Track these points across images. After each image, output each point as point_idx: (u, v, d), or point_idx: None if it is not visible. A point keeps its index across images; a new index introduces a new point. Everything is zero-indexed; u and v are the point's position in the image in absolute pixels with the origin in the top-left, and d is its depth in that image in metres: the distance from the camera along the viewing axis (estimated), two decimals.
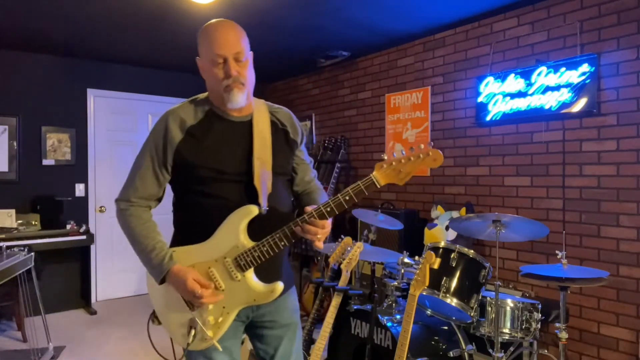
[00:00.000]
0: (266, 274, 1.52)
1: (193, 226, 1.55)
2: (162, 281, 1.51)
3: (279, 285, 1.50)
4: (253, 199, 1.51)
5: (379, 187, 1.43)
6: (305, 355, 2.64)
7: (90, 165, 5.09)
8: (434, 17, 3.67)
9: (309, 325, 2.83)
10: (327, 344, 2.91)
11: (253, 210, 1.48)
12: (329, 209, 1.43)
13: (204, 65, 1.52)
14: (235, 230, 1.48)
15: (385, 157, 1.43)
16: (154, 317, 1.61)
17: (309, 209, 1.46)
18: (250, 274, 1.50)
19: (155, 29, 3.94)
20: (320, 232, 1.45)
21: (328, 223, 1.47)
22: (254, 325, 1.65)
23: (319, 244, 1.48)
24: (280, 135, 1.64)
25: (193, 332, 1.50)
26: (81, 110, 5.04)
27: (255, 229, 1.49)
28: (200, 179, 1.51)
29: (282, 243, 1.46)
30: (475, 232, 2.73)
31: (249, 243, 1.48)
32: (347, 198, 1.42)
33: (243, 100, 1.51)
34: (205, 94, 1.61)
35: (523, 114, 3.35)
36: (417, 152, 1.41)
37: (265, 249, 1.46)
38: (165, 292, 1.55)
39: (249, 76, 1.52)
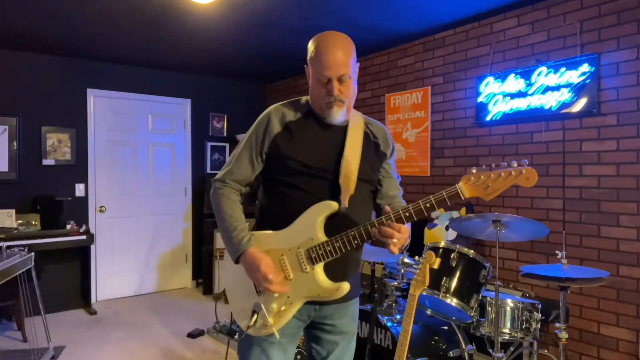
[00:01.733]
0: (334, 274, 1.54)
1: (274, 214, 1.62)
2: (237, 261, 1.57)
3: (346, 285, 1.52)
4: (335, 196, 1.55)
5: (463, 198, 1.42)
6: (304, 354, 2.64)
7: (90, 165, 5.09)
8: (434, 17, 3.67)
9: None
10: None
11: (333, 206, 1.52)
12: (407, 214, 1.44)
13: (310, 74, 1.59)
14: (312, 223, 1.52)
15: (474, 170, 1.41)
16: (222, 295, 1.69)
17: (388, 208, 1.48)
18: (320, 268, 1.53)
19: (155, 29, 3.94)
20: (396, 235, 1.43)
21: (405, 228, 1.46)
22: (313, 326, 1.68)
23: (394, 249, 1.46)
24: (371, 146, 1.69)
25: (255, 316, 1.54)
26: (81, 110, 5.04)
27: (332, 226, 1.52)
28: (288, 170, 1.57)
29: (356, 242, 1.48)
30: (475, 232, 2.73)
31: (323, 237, 1.51)
32: (428, 205, 1.43)
33: (342, 117, 1.59)
34: (306, 97, 1.67)
35: (523, 114, 3.35)
36: (510, 168, 1.37)
37: (338, 244, 1.49)
38: (237, 274, 1.61)
39: (351, 93, 1.58)
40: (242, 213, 1.63)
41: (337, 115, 1.57)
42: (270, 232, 1.58)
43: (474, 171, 1.40)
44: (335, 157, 1.58)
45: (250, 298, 1.59)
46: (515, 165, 1.36)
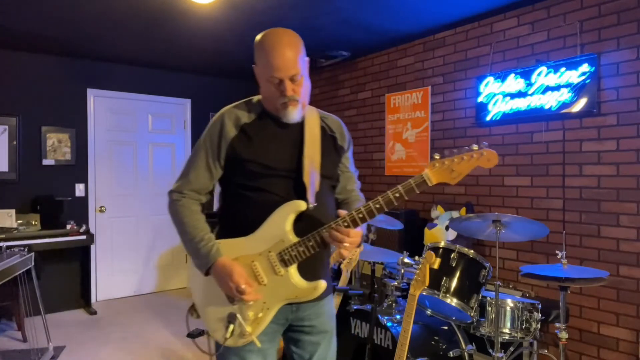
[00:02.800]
0: (308, 273, 1.52)
1: (239, 219, 1.57)
2: (207, 273, 1.51)
3: (322, 283, 1.50)
4: (301, 195, 1.52)
5: (430, 185, 1.43)
6: None
7: (90, 165, 5.09)
8: (434, 17, 3.67)
9: None
10: None
11: (301, 205, 1.49)
12: (377, 205, 1.43)
13: (259, 75, 1.54)
14: (282, 224, 1.49)
15: (437, 157, 1.43)
16: (192, 310, 1.62)
17: (342, 212, 1.46)
18: (294, 270, 1.50)
19: (155, 29, 3.94)
20: (347, 240, 1.44)
21: (356, 232, 1.46)
22: (292, 329, 1.65)
23: (346, 252, 1.48)
24: (329, 140, 1.66)
25: (232, 327, 1.49)
26: (81, 110, 5.03)
27: (301, 225, 1.50)
28: (249, 173, 1.53)
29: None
30: (475, 232, 2.73)
31: (294, 238, 1.48)
32: (397, 195, 1.42)
33: (298, 115, 1.55)
34: (259, 97, 1.64)
35: (523, 114, 3.35)
36: (471, 151, 1.42)
37: (311, 244, 1.47)
38: (206, 285, 1.56)
39: (304, 91, 1.55)
40: (206, 223, 1.57)
41: (293, 115, 1.52)
42: (237, 238, 1.53)
43: (437, 157, 1.43)
44: (296, 155, 1.55)
45: (223, 309, 1.53)
46: (476, 147, 1.41)
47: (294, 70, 1.47)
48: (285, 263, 1.48)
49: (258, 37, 1.52)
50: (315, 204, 1.51)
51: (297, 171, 1.54)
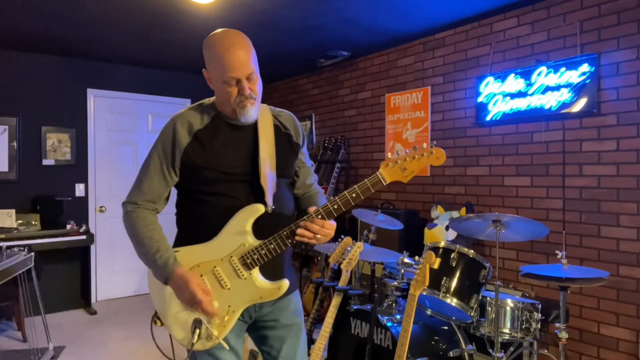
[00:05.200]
0: (271, 273, 1.53)
1: (198, 225, 1.57)
2: (165, 282, 1.51)
3: (285, 282, 1.52)
4: (259, 198, 1.53)
5: (384, 184, 1.48)
6: None
7: (90, 165, 5.10)
8: (434, 17, 3.67)
9: (309, 325, 2.83)
10: (327, 344, 2.91)
11: (259, 209, 1.50)
12: (335, 206, 1.47)
13: (213, 78, 1.53)
14: (242, 229, 1.50)
15: (389, 155, 1.48)
16: (156, 318, 1.61)
17: (312, 209, 1.48)
18: (257, 272, 1.51)
19: (155, 29, 3.94)
20: (321, 232, 1.46)
21: (330, 224, 1.48)
22: (256, 326, 1.66)
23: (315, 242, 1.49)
24: (284, 138, 1.66)
25: (197, 331, 1.49)
26: (81, 110, 5.04)
27: (260, 228, 1.51)
28: (206, 179, 1.53)
29: (289, 240, 1.49)
30: (475, 232, 2.73)
31: (255, 241, 1.50)
32: (354, 195, 1.46)
33: (255, 113, 1.56)
34: (211, 100, 1.63)
35: (523, 114, 3.35)
36: (421, 150, 1.47)
37: (272, 246, 1.48)
38: (167, 293, 1.55)
39: (259, 89, 1.55)
40: (163, 233, 1.56)
41: (251, 113, 1.52)
42: (196, 245, 1.53)
43: (390, 156, 1.49)
44: (251, 158, 1.56)
45: (187, 315, 1.53)
46: (425, 146, 1.48)
47: (250, 69, 1.48)
48: (248, 266, 1.49)
49: (208, 42, 1.52)
50: (273, 207, 1.52)
51: (253, 174, 1.54)
